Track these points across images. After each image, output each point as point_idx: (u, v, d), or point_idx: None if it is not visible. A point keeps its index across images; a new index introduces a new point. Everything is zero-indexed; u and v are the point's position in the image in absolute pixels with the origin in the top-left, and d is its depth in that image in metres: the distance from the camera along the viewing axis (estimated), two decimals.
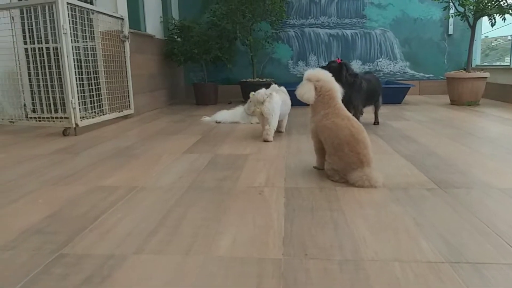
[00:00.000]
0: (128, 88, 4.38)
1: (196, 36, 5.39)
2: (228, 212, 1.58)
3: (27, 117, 4.09)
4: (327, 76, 2.02)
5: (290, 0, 5.98)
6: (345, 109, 2.01)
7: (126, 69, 4.36)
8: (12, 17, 3.94)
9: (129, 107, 4.43)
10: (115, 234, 1.40)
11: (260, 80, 5.82)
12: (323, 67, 3.04)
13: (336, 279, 1.08)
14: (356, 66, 6.21)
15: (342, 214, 1.53)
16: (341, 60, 3.23)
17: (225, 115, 4.11)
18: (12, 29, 3.91)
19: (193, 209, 1.62)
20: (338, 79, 3.09)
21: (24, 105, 4.19)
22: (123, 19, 4.24)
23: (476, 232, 1.35)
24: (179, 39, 5.62)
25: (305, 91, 1.98)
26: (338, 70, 3.11)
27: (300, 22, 6.18)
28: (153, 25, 5.37)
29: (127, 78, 4.37)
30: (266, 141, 2.99)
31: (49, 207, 1.68)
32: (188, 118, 4.38)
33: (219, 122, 4.02)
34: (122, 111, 4.27)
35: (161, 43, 5.58)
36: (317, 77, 2.00)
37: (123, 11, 4.32)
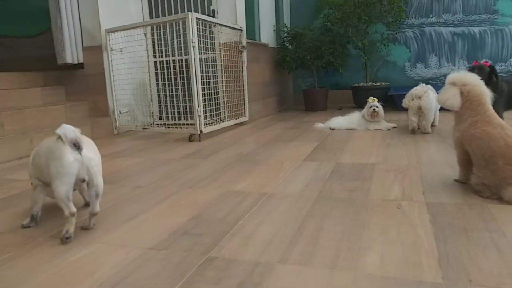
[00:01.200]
0: (244, 96, 4.56)
1: (308, 42, 5.39)
2: (368, 226, 1.49)
3: (156, 124, 4.51)
4: (475, 80, 1.81)
5: None
6: (497, 116, 1.78)
7: (243, 78, 4.53)
8: (145, 34, 4.39)
9: (244, 114, 4.59)
10: (256, 240, 1.42)
11: (374, 84, 5.58)
12: (476, 71, 2.79)
13: None
14: None
15: (503, 236, 1.34)
16: (488, 63, 2.93)
17: (340, 121, 4.01)
18: (145, 45, 4.37)
19: (329, 220, 1.57)
20: (487, 84, 2.81)
21: (153, 113, 4.64)
22: (241, 30, 4.43)
23: None
24: (290, 46, 5.68)
25: (449, 97, 1.80)
26: (489, 74, 2.83)
27: (419, 21, 5.76)
28: (267, 34, 5.52)
29: (243, 87, 4.54)
30: (425, 133, 3.39)
31: (191, 209, 1.79)
32: (300, 124, 4.37)
33: (333, 129, 3.93)
34: (238, 118, 4.45)
35: (273, 51, 5.70)
36: (463, 81, 1.81)
37: (241, 22, 4.51)
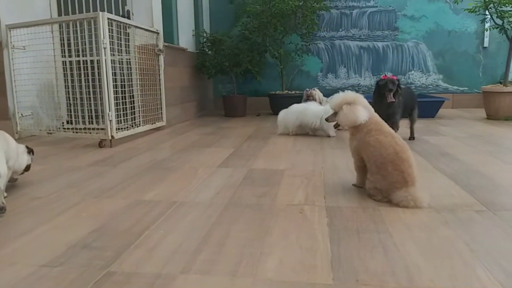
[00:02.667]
0: (161, 100, 4.46)
1: (227, 49, 5.45)
2: (271, 231, 1.55)
3: (63, 128, 4.21)
4: (356, 94, 2.01)
5: (321, 12, 5.97)
6: (387, 125, 1.97)
7: (160, 82, 4.44)
8: (52, 31, 4.10)
9: (162, 119, 4.49)
10: (160, 251, 1.40)
11: (289, 92, 5.82)
12: (389, 83, 3.01)
13: None
14: None
15: (390, 236, 1.48)
16: (395, 76, 3.22)
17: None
18: (52, 43, 4.07)
19: (235, 227, 1.61)
20: (394, 95, 3.06)
21: (61, 116, 4.33)
22: (158, 33, 4.33)
23: None
24: (210, 52, 5.70)
25: (358, 113, 1.94)
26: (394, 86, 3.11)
27: (330, 34, 6.16)
28: (185, 38, 5.46)
29: (160, 91, 4.44)
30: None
31: (93, 221, 1.70)
32: (219, 130, 4.40)
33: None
34: (154, 123, 4.34)
35: (192, 56, 5.67)
36: (352, 98, 1.98)
37: (158, 25, 4.41)
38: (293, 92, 5.83)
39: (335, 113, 2.08)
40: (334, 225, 1.60)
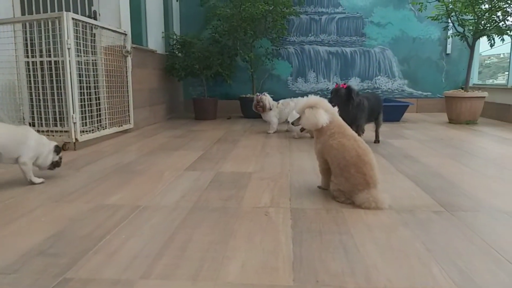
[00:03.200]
0: (128, 102, 4.37)
1: (198, 52, 5.42)
2: (235, 234, 1.55)
3: None
4: (319, 99, 2.05)
5: (291, 18, 6.05)
6: (350, 128, 2.01)
7: (127, 83, 4.35)
8: (14, 31, 3.94)
9: (129, 121, 4.41)
10: (121, 256, 1.37)
11: None
12: (333, 94, 3.09)
13: None
14: (355, 83, 6.26)
15: (351, 237, 1.51)
16: (346, 84, 3.28)
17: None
18: (14, 43, 3.92)
19: (199, 230, 1.59)
20: (347, 103, 3.15)
21: (23, 118, 4.17)
22: (126, 34, 4.26)
23: (487, 258, 1.33)
24: (180, 54, 5.65)
25: (319, 116, 1.97)
26: (347, 94, 3.16)
27: (300, 39, 6.24)
28: (155, 40, 5.40)
29: (128, 93, 4.36)
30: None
31: (52, 226, 1.65)
32: (188, 133, 4.36)
33: None
34: (121, 125, 4.25)
35: (162, 58, 5.60)
36: (315, 102, 2.02)
37: (126, 26, 4.33)
38: None
39: (300, 117, 2.11)
40: (297, 227, 1.62)
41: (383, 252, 1.38)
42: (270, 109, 4.34)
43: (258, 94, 4.41)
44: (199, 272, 1.25)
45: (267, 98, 4.34)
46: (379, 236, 1.52)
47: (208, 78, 5.69)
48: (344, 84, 3.25)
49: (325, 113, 2.01)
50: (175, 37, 5.67)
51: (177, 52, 5.67)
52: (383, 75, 6.26)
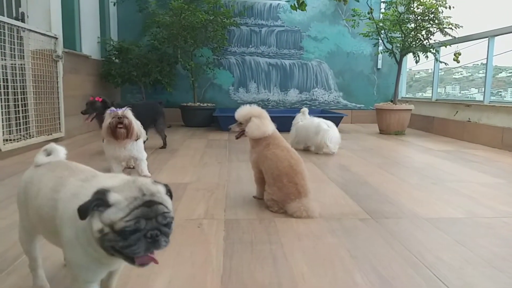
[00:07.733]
0: (59, 109, 4.14)
1: (135, 59, 5.29)
2: (166, 249, 1.51)
3: None
4: (261, 109, 2.09)
5: (232, 28, 6.11)
6: (284, 140, 2.07)
7: (58, 89, 4.12)
8: None
9: (60, 129, 4.17)
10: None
11: (201, 104, 5.82)
12: (89, 105, 3.26)
13: None
14: (294, 95, 6.45)
15: (281, 247, 1.54)
16: (100, 98, 3.37)
17: None
18: None
19: None
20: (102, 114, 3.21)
21: None
22: (56, 38, 4.04)
23: (406, 264, 1.43)
24: (117, 60, 5.47)
25: (267, 126, 2.01)
26: (103, 107, 3.21)
27: (241, 50, 6.32)
28: (89, 45, 5.17)
29: (58, 99, 4.13)
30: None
31: None
32: None
33: None
34: (51, 134, 4.01)
35: (97, 64, 5.38)
36: (259, 112, 2.06)
37: (57, 29, 4.12)
38: (205, 104, 5.85)
39: (240, 124, 2.12)
40: (230, 238, 1.62)
41: (309, 261, 1.42)
42: (138, 138, 2.57)
43: (113, 109, 2.51)
44: None
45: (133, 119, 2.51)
46: (307, 245, 1.56)
47: (147, 85, 5.56)
48: (99, 97, 3.35)
49: (271, 123, 2.06)
50: (112, 42, 5.48)
51: (114, 58, 5.48)
52: (320, 87, 6.52)
